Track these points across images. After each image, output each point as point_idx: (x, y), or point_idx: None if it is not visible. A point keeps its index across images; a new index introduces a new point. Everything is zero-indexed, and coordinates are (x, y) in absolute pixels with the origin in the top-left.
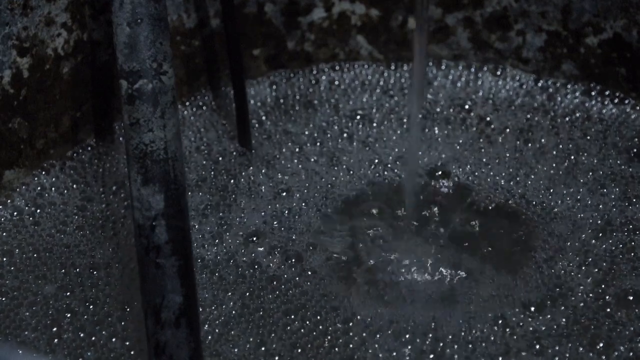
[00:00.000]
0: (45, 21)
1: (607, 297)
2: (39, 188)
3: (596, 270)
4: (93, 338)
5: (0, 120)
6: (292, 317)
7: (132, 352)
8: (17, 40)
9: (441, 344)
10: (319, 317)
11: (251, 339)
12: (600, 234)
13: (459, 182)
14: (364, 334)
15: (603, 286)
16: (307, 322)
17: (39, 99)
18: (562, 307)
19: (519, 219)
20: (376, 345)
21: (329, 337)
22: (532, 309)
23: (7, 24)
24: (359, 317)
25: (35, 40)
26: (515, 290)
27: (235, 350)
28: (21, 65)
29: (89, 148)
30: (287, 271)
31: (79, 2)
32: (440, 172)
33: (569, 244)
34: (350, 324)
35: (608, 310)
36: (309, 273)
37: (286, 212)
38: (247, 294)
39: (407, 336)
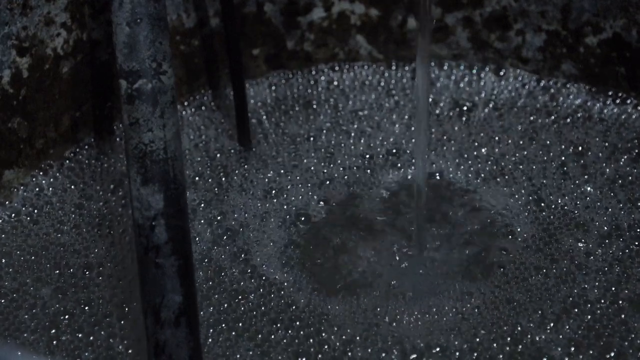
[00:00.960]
0: (44, 21)
1: (621, 302)
2: (37, 189)
3: (607, 275)
4: (91, 338)
5: None
6: (271, 319)
7: (130, 352)
8: (17, 40)
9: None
10: (299, 321)
11: (223, 338)
12: (607, 240)
13: (462, 183)
14: (341, 331)
15: (614, 291)
16: (289, 324)
17: (38, 99)
18: (573, 315)
19: (523, 222)
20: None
21: (312, 340)
22: (542, 316)
23: (7, 23)
24: (339, 320)
25: (34, 40)
26: (522, 297)
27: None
28: (21, 65)
29: (87, 147)
30: (270, 270)
31: (78, 2)
32: (442, 174)
33: (577, 248)
34: (331, 326)
35: (622, 317)
36: (290, 273)
37: (279, 212)
38: (230, 291)
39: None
